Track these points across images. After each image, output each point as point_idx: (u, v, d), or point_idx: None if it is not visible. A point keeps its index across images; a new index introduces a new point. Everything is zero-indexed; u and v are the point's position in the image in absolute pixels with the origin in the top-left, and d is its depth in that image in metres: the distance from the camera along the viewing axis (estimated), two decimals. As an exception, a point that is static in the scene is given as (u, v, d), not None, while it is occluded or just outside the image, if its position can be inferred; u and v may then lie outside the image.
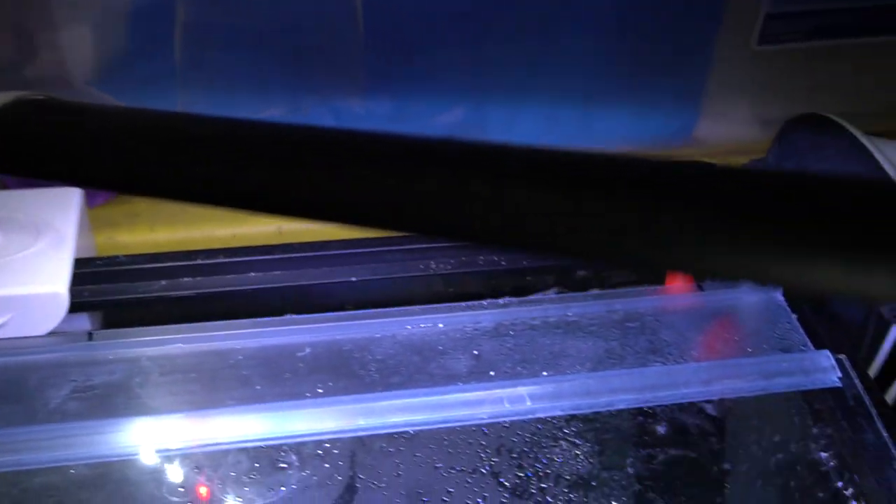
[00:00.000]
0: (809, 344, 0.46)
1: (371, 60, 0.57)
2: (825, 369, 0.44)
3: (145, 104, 0.34)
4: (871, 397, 0.43)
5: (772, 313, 0.48)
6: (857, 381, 0.43)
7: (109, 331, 0.44)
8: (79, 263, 0.47)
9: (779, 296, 0.48)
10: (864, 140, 0.47)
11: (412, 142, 0.26)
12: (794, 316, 0.47)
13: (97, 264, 0.48)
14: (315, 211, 0.26)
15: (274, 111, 0.58)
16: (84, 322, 0.48)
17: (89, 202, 0.59)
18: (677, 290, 0.49)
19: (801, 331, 0.46)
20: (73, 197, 0.51)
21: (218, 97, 0.58)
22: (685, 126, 0.66)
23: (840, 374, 0.43)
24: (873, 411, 0.42)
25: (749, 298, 0.48)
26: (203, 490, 0.38)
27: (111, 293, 0.47)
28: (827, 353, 0.44)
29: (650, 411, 0.42)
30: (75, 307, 0.46)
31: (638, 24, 0.60)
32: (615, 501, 0.39)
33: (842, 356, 0.44)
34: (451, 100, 0.61)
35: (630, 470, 0.40)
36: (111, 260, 0.48)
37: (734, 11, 0.61)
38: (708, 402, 0.43)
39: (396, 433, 0.41)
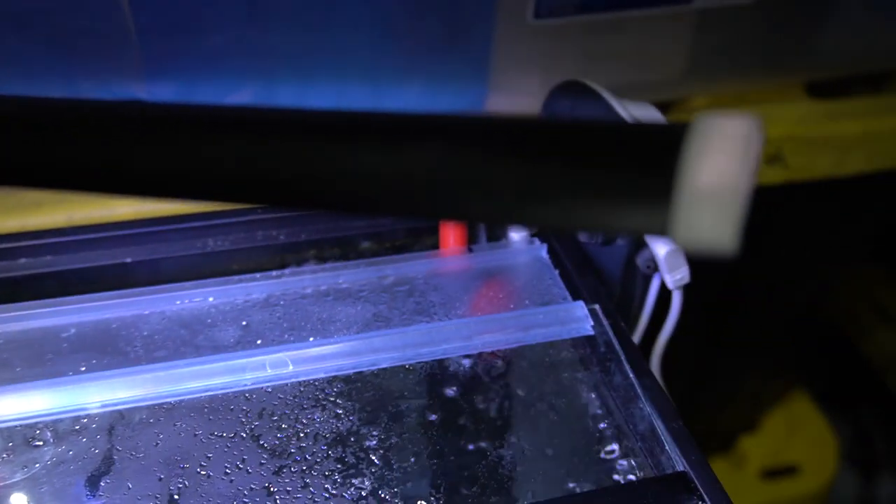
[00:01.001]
0: (569, 297, 0.48)
1: (147, 41, 0.57)
2: (579, 319, 0.46)
3: None
4: (620, 342, 0.45)
5: (536, 270, 0.50)
6: (608, 328, 0.46)
7: None
8: None
9: (543, 253, 0.51)
10: (613, 102, 0.50)
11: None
12: (556, 272, 0.50)
13: None
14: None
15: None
16: None
17: None
18: (448, 254, 0.51)
19: (562, 285, 0.49)
20: None
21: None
22: (476, 101, 0.68)
23: (592, 323, 0.46)
24: (622, 355, 0.45)
25: (516, 258, 0.51)
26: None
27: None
28: (581, 303, 0.47)
29: (411, 368, 0.44)
30: None
31: None
32: (372, 455, 0.40)
33: (595, 306, 0.47)
34: (238, 80, 0.62)
35: (388, 424, 0.42)
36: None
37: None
38: (467, 356, 0.45)
39: (157, 404, 0.41)
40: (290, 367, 0.43)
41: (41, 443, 0.39)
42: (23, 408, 0.40)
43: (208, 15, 0.57)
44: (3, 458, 0.39)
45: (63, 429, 0.40)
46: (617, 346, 0.45)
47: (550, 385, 0.45)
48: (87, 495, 0.38)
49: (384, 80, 0.65)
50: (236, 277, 0.48)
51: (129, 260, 0.49)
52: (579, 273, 0.50)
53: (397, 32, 0.64)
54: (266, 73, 0.62)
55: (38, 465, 0.38)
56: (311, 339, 0.44)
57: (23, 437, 0.39)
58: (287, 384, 0.43)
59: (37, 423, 0.40)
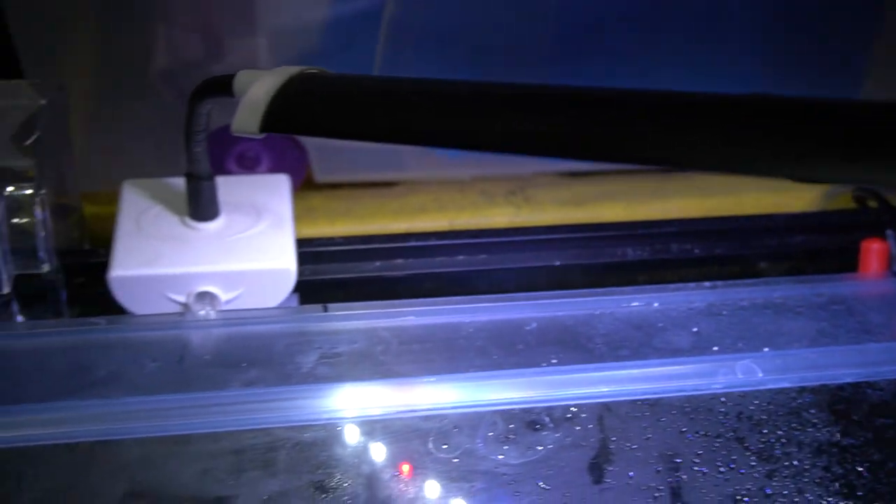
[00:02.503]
0: None
1: (554, 61, 0.59)
2: None
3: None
4: None
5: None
6: None
7: (343, 304, 0.46)
8: (299, 243, 0.49)
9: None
10: None
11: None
12: None
13: (315, 244, 0.50)
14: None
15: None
16: (293, 302, 0.50)
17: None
18: (873, 276, 0.51)
19: None
20: (283, 183, 0.53)
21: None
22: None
23: None
24: None
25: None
26: (479, 445, 0.40)
27: (330, 272, 0.49)
28: None
29: (877, 385, 0.44)
30: (299, 285, 0.48)
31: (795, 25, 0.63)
32: (859, 467, 0.40)
33: None
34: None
35: (865, 438, 0.42)
36: (328, 241, 0.50)
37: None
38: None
39: (639, 400, 0.42)
40: (760, 375, 0.43)
41: (540, 427, 0.41)
42: (519, 394, 0.42)
43: (602, 43, 0.59)
44: (510, 437, 0.40)
45: (556, 416, 0.41)
46: None
47: None
48: (592, 480, 0.39)
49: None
50: (673, 286, 0.49)
51: (557, 263, 0.51)
52: None
53: (768, 59, 0.64)
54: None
55: (540, 448, 0.40)
56: (765, 349, 0.45)
57: (522, 420, 0.41)
58: (756, 391, 0.43)
59: (533, 408, 0.41)
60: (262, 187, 0.52)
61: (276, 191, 0.52)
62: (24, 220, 0.44)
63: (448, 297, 0.47)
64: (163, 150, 0.61)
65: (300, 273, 0.47)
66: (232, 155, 0.60)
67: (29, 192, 0.44)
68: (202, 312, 0.46)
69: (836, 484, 0.39)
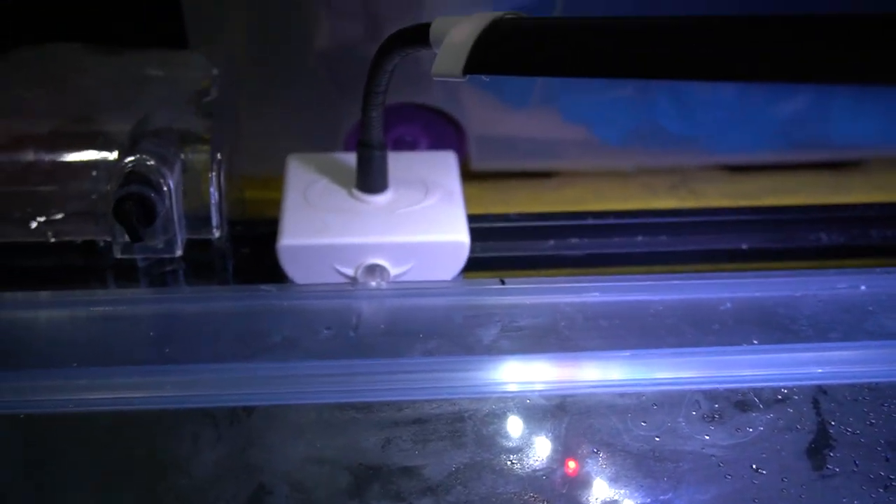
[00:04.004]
0: None
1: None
2: None
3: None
4: None
5: None
6: None
7: (520, 278, 0.43)
8: (470, 219, 0.47)
9: None
10: None
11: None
12: None
13: (488, 219, 0.47)
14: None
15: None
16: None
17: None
18: None
19: None
20: (450, 159, 0.51)
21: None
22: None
23: None
24: None
25: None
26: (681, 424, 0.36)
27: (504, 249, 0.47)
28: None
29: None
30: (472, 261, 0.45)
31: None
32: None
33: None
34: (792, 91, 0.60)
35: None
36: (502, 217, 0.48)
37: None
38: None
39: (859, 384, 0.38)
40: None
41: (750, 408, 0.37)
42: (719, 372, 0.38)
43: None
44: (716, 418, 0.37)
45: (766, 397, 0.38)
46: None
47: None
48: (814, 467, 0.35)
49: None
50: (880, 269, 0.44)
51: (744, 246, 0.47)
52: None
53: None
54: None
55: (750, 430, 0.36)
56: None
57: (729, 400, 0.37)
58: None
59: (740, 388, 0.38)
60: (429, 163, 0.50)
61: (443, 167, 0.50)
62: (200, 184, 0.43)
63: (634, 275, 0.44)
64: (319, 135, 0.59)
65: (471, 249, 0.45)
66: (389, 139, 0.59)
67: (205, 156, 0.43)
68: (374, 283, 0.44)
69: None
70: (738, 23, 0.29)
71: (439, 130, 0.59)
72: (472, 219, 0.46)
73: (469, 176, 0.61)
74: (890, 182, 0.62)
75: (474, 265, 0.46)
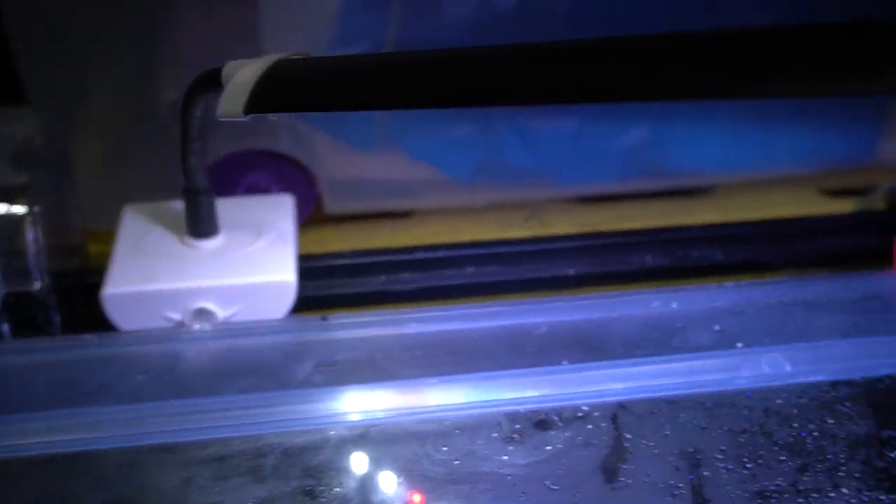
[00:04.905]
0: None
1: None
2: None
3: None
4: None
5: None
6: None
7: (343, 313, 0.44)
8: (301, 259, 0.47)
9: None
10: None
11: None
12: None
13: (319, 259, 0.48)
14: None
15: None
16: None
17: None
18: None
19: None
20: (286, 201, 0.52)
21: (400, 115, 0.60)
22: (863, 142, 0.65)
23: None
24: None
25: None
26: (481, 447, 0.37)
27: (334, 287, 0.47)
28: None
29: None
30: (302, 301, 0.46)
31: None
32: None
33: None
34: (631, 121, 0.62)
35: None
36: (333, 255, 0.48)
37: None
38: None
39: (655, 398, 0.39)
40: (789, 368, 0.40)
41: (550, 427, 0.38)
42: (529, 394, 0.39)
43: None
44: (516, 438, 0.37)
45: (566, 416, 0.39)
46: None
47: None
48: (606, 480, 0.36)
49: (771, 118, 0.63)
50: (695, 287, 0.46)
51: (571, 272, 0.49)
52: None
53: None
54: (657, 117, 0.62)
55: (549, 448, 0.37)
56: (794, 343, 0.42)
57: (530, 421, 0.38)
58: (784, 385, 0.40)
59: (538, 409, 0.39)
60: (264, 207, 0.51)
61: (278, 209, 0.51)
62: (16, 238, 0.43)
63: (451, 305, 0.45)
64: (172, 183, 0.60)
65: (303, 289, 0.46)
66: (241, 186, 0.59)
67: (22, 210, 0.43)
68: (196, 326, 0.44)
69: (870, 477, 0.36)
70: (503, 52, 0.30)
71: (290, 175, 0.60)
72: (304, 259, 0.47)
73: (326, 219, 0.62)
74: (734, 205, 0.64)
75: (306, 305, 0.47)
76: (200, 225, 0.47)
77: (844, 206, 0.59)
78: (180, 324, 0.45)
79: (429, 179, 0.61)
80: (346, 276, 0.48)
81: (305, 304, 0.46)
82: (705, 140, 0.63)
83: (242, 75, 0.36)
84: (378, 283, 0.48)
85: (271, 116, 0.37)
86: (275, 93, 0.35)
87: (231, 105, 0.36)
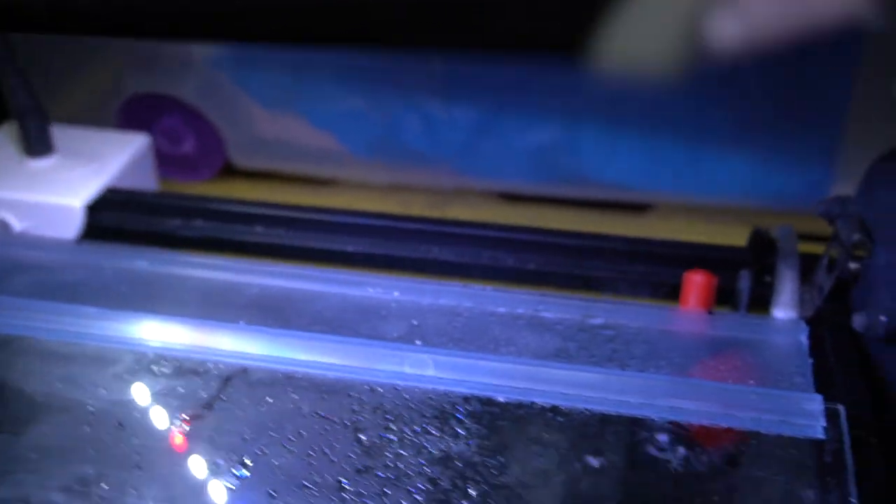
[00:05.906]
0: (812, 388, 0.37)
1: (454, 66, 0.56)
2: (810, 414, 0.35)
3: None
4: (858, 459, 0.33)
5: (784, 354, 0.39)
6: (846, 437, 0.34)
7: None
8: (113, 192, 0.50)
9: (802, 337, 0.40)
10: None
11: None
12: (809, 361, 0.38)
13: (129, 195, 0.51)
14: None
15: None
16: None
17: (190, 175, 0.63)
18: (682, 312, 0.42)
19: (810, 377, 0.38)
20: (140, 141, 0.54)
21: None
22: (818, 183, 0.57)
23: (825, 425, 0.34)
24: (850, 476, 0.33)
25: (763, 335, 0.40)
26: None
27: (130, 222, 0.50)
28: (818, 398, 0.35)
29: (566, 411, 0.36)
30: (93, 229, 0.49)
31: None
32: (472, 489, 0.33)
33: (839, 406, 0.35)
34: (537, 119, 0.59)
35: (505, 462, 0.34)
36: (145, 194, 0.51)
37: (875, 54, 0.53)
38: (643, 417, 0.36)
39: (279, 370, 0.38)
40: (431, 371, 0.37)
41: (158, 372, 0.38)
42: (164, 338, 0.39)
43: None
44: (124, 377, 0.38)
45: (186, 367, 0.38)
46: (849, 463, 0.33)
47: (739, 482, 0.34)
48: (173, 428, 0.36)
49: (705, 145, 0.58)
50: (432, 282, 0.43)
51: (350, 249, 0.48)
52: (843, 369, 0.38)
53: (723, 95, 0.56)
54: (569, 114, 0.58)
55: (149, 392, 0.37)
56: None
57: (144, 363, 0.38)
58: (419, 388, 0.37)
59: (165, 355, 0.39)
60: (114, 142, 0.54)
61: (124, 146, 0.54)
62: None
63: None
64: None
65: (106, 220, 0.48)
66: (156, 130, 0.63)
67: None
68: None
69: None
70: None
71: (199, 125, 0.63)
72: (115, 192, 0.50)
73: (239, 174, 0.65)
74: (679, 227, 0.59)
75: (106, 234, 0.49)
76: (30, 144, 0.51)
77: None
78: (-12, 230, 0.49)
79: (329, 148, 0.62)
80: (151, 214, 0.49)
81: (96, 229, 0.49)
82: (629, 154, 0.59)
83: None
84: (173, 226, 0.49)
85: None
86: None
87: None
